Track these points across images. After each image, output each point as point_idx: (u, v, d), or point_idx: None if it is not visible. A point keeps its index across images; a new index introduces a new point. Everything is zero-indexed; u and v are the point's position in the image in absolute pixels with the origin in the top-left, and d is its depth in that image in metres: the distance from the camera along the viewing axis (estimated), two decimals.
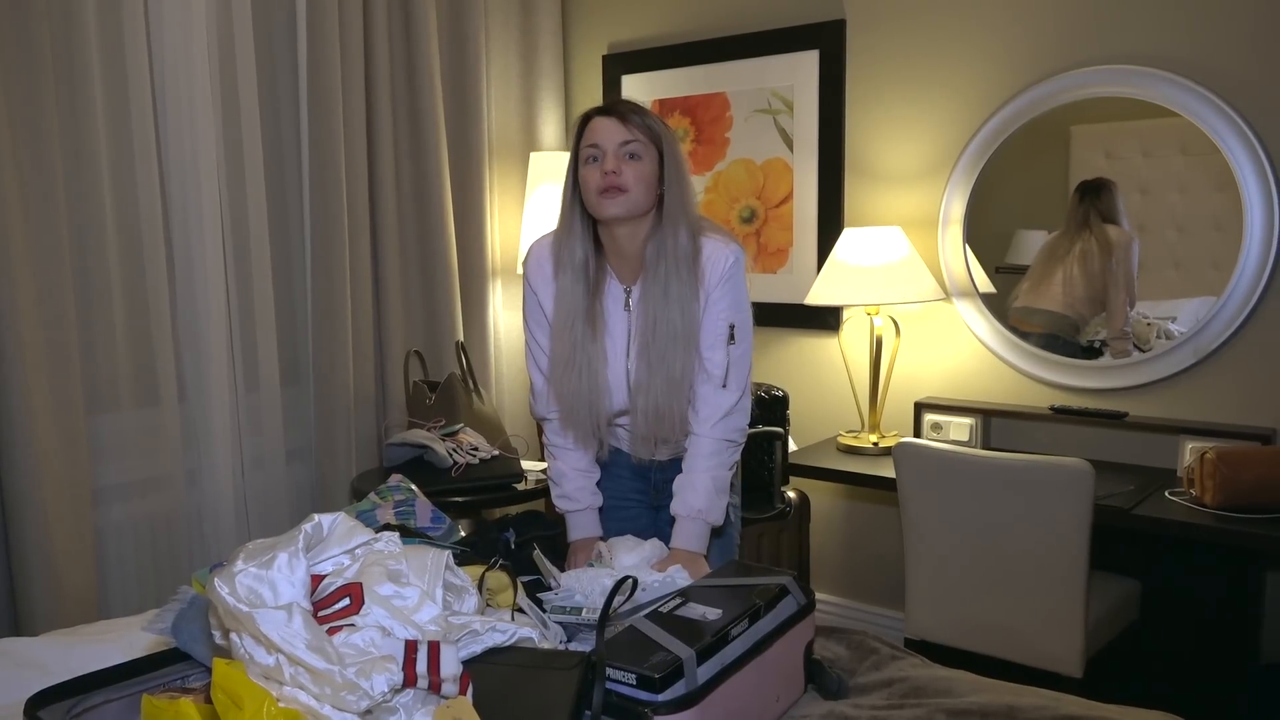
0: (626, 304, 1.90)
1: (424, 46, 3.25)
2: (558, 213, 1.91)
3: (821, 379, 3.35)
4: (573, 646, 1.51)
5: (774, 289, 3.36)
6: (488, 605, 1.52)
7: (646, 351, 1.84)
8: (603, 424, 1.93)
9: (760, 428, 2.73)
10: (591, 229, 1.87)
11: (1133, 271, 2.83)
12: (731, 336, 1.87)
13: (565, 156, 3.52)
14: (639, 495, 2.07)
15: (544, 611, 1.56)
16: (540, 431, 2.07)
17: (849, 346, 3.25)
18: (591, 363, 1.86)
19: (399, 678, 1.19)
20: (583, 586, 1.59)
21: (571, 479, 1.99)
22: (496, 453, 2.90)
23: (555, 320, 1.89)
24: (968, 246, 3.01)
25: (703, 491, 1.88)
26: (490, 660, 1.33)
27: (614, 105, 1.85)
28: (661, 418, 1.86)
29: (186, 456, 2.77)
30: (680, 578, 1.63)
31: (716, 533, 1.95)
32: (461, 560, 1.56)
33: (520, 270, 3.53)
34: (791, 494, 3.01)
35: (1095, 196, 2.84)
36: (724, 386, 1.88)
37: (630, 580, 1.51)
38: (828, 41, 3.20)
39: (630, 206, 1.81)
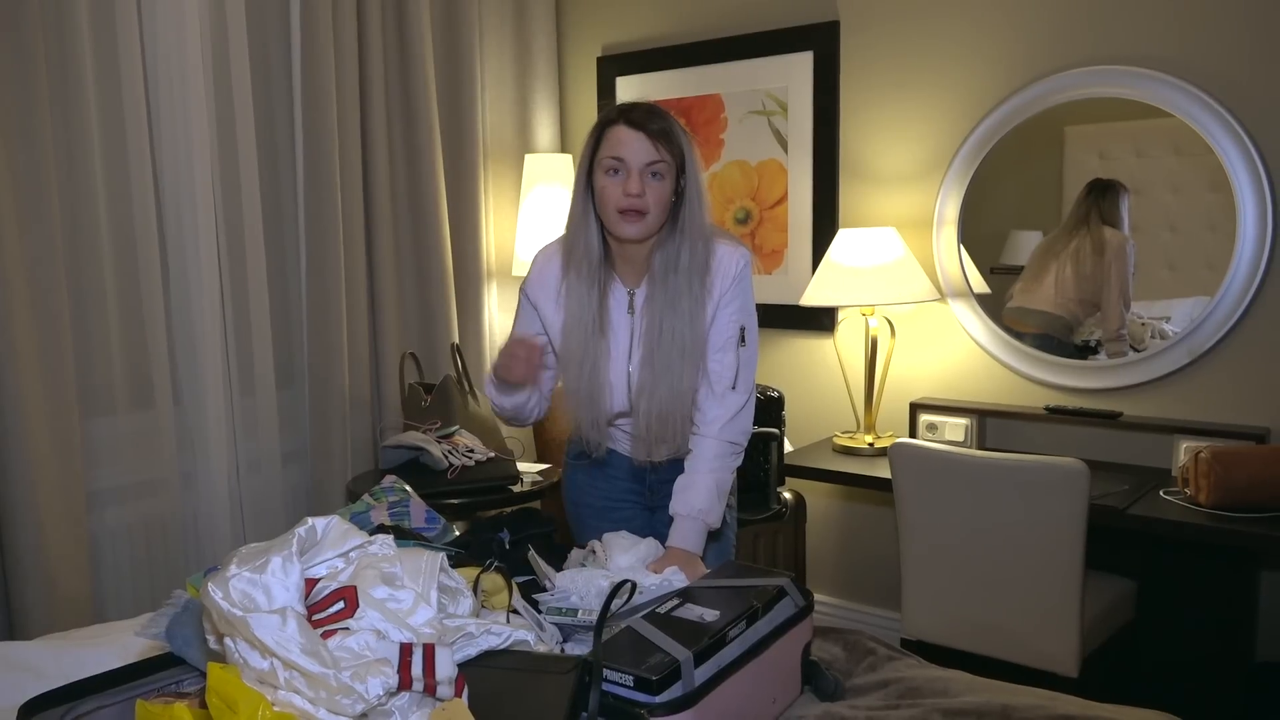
0: (630, 306, 1.90)
1: (418, 48, 3.25)
2: (567, 209, 1.89)
3: (817, 380, 3.35)
4: (569, 647, 1.51)
5: (769, 290, 3.36)
6: (483, 607, 1.52)
7: (651, 359, 1.84)
8: (603, 421, 1.93)
9: (756, 428, 2.73)
10: (601, 229, 1.87)
11: (1127, 274, 2.84)
12: (742, 339, 1.89)
13: (560, 158, 3.55)
14: (635, 496, 2.07)
15: (539, 613, 1.56)
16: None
17: (844, 347, 3.25)
18: (596, 359, 1.87)
19: (394, 681, 1.18)
20: (578, 588, 1.59)
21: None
22: (492, 455, 2.90)
23: (567, 318, 1.89)
24: (962, 247, 3.01)
25: (704, 493, 1.88)
26: (486, 663, 1.32)
27: (642, 119, 1.78)
28: (665, 421, 1.87)
29: (181, 459, 2.77)
30: (677, 580, 1.63)
31: (713, 535, 1.95)
32: (456, 562, 1.56)
33: (515, 272, 3.55)
34: (787, 495, 3.01)
35: (1101, 196, 2.85)
36: (733, 388, 1.89)
37: (629, 584, 1.51)
38: (822, 43, 3.20)
39: (648, 230, 1.81)
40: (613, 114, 1.81)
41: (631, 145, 1.77)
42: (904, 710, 1.47)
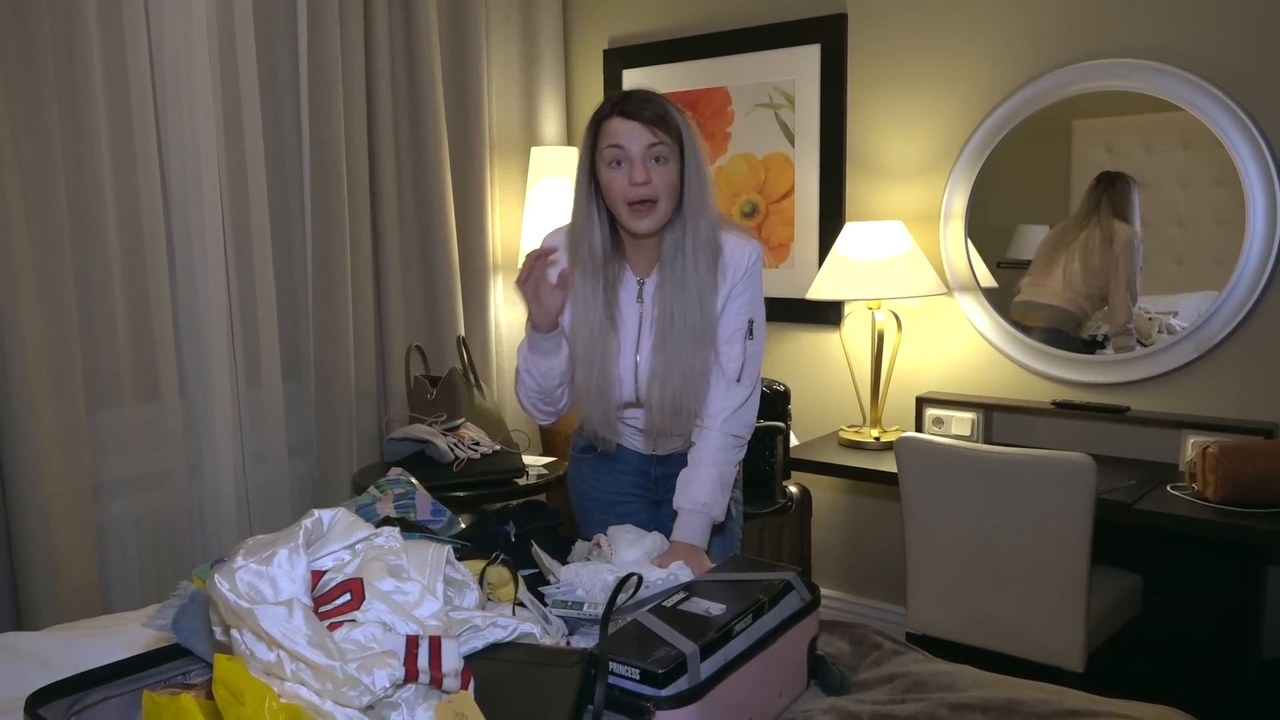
0: (639, 295, 1.90)
1: (425, 41, 3.24)
2: (571, 206, 1.89)
3: (823, 374, 3.35)
4: (575, 640, 1.51)
5: (776, 284, 3.35)
6: (489, 600, 1.52)
7: (663, 345, 1.84)
8: (612, 416, 1.93)
9: (762, 422, 2.73)
10: (609, 222, 1.86)
11: (1134, 268, 2.83)
12: (750, 332, 1.88)
13: (566, 151, 3.54)
14: (640, 490, 2.07)
15: (545, 606, 1.56)
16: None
17: (850, 341, 3.25)
18: (605, 356, 1.87)
19: (400, 673, 1.18)
20: (583, 582, 1.59)
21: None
22: (498, 447, 2.90)
23: (574, 317, 1.88)
24: (969, 241, 3.00)
25: (707, 486, 1.87)
26: (492, 656, 1.32)
27: (636, 108, 1.77)
28: (679, 411, 1.86)
29: (188, 451, 2.78)
30: (683, 575, 1.63)
31: (718, 529, 1.94)
32: (462, 554, 1.56)
33: (520, 265, 3.54)
34: (793, 489, 3.00)
35: (1111, 187, 2.83)
36: (738, 381, 1.88)
37: (635, 578, 1.51)
38: (829, 36, 3.19)
39: (660, 220, 1.80)
40: (606, 107, 1.80)
41: (629, 132, 1.76)
42: (910, 705, 1.47)
